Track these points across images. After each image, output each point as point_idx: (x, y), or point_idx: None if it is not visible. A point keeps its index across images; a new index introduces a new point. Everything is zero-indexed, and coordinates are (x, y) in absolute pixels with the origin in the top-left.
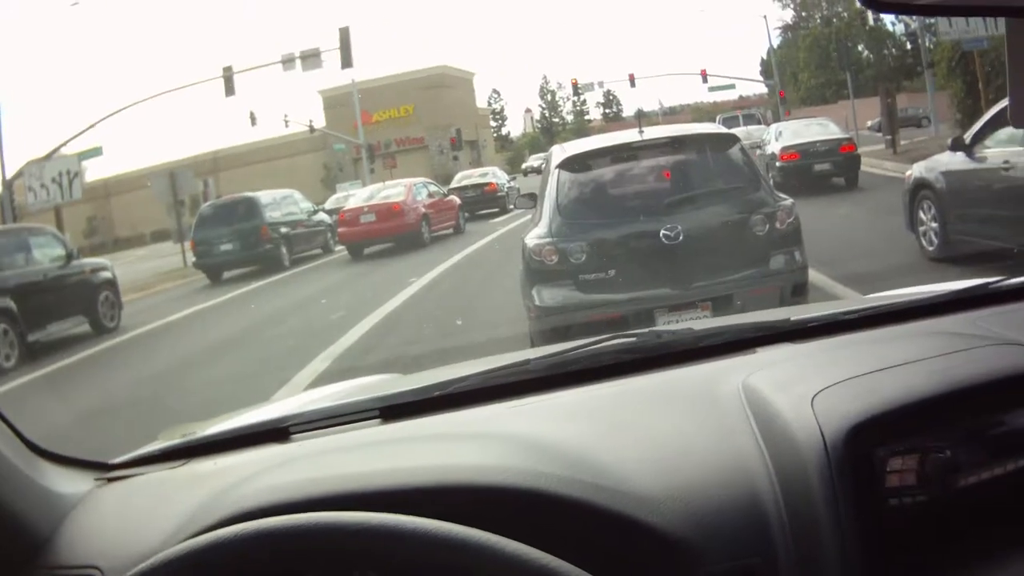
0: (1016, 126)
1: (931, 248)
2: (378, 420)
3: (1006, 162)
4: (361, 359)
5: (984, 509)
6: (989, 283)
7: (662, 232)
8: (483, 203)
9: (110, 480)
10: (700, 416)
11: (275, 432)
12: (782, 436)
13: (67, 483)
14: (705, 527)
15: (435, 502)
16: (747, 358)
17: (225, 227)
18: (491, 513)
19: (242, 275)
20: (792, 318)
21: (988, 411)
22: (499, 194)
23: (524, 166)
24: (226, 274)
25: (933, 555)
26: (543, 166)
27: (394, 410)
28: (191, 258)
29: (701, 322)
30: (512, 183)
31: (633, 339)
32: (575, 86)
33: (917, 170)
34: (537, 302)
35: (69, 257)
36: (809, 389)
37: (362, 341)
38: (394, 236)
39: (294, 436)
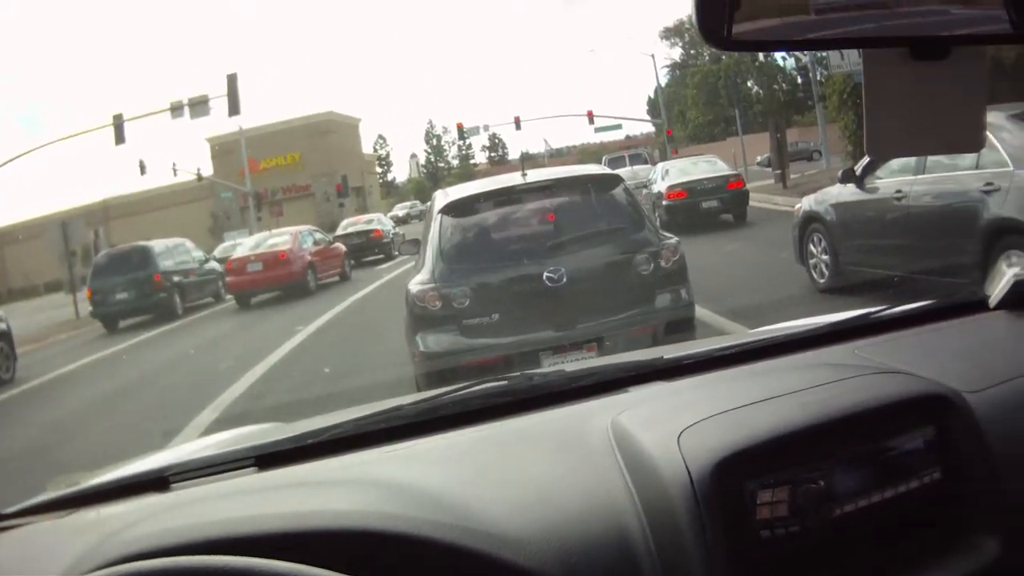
0: (871, 156)
1: (822, 280)
2: (254, 468)
3: (899, 191)
4: (249, 408)
5: (867, 536)
6: (870, 313)
7: (545, 275)
8: (368, 250)
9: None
10: (569, 456)
11: (156, 481)
12: (649, 474)
13: None
14: (573, 566)
15: (305, 547)
16: (618, 397)
17: (120, 276)
18: (358, 557)
19: (137, 324)
20: (665, 356)
21: (866, 440)
22: (384, 240)
23: (389, 215)
24: (122, 323)
25: None
26: (426, 209)
27: (270, 458)
28: (84, 308)
29: (574, 363)
30: (397, 229)
31: (504, 383)
32: (460, 130)
33: (807, 203)
34: (421, 348)
35: None
36: (676, 426)
37: (251, 390)
38: (281, 285)
39: (174, 485)
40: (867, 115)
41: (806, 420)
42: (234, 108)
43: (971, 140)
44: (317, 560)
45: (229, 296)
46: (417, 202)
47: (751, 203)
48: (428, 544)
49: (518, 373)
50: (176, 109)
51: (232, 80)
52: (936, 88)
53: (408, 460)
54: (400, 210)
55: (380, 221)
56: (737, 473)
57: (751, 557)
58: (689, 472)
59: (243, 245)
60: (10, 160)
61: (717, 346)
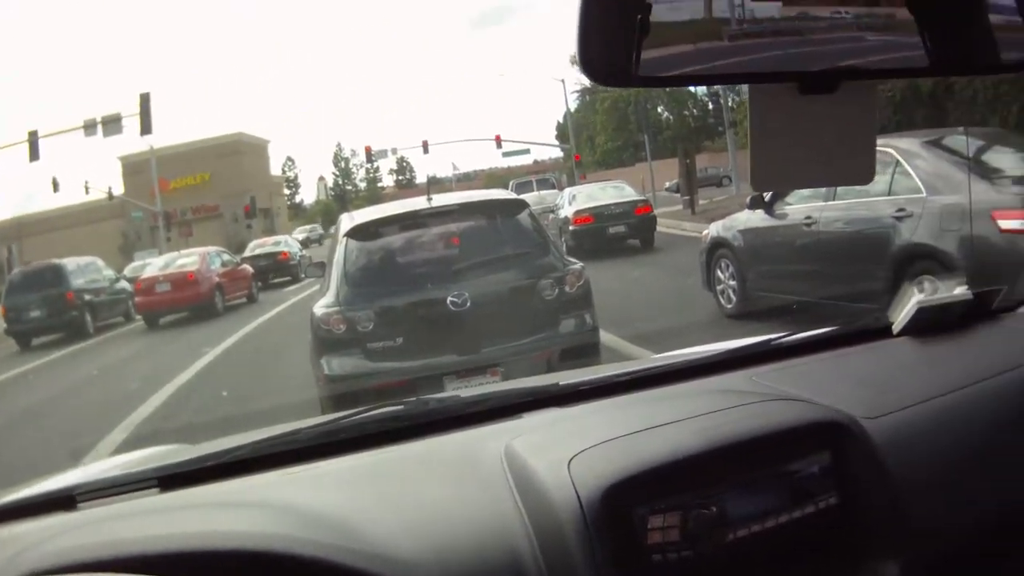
0: (755, 188)
1: (729, 305)
2: (158, 489)
3: (808, 217)
4: (159, 428)
5: (763, 561)
6: (770, 340)
7: (449, 299)
8: (276, 272)
9: None
10: (462, 481)
11: (63, 500)
12: (540, 499)
13: None
14: None
15: (207, 566)
16: (513, 423)
17: (34, 294)
18: None
19: (50, 342)
20: (561, 382)
21: (759, 466)
22: (291, 263)
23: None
24: (35, 341)
25: None
26: (332, 232)
27: (173, 479)
28: (1, 325)
29: (471, 389)
30: (304, 251)
31: (400, 407)
32: (368, 153)
33: (714, 229)
34: (326, 371)
35: None
36: (567, 452)
37: (159, 411)
38: (189, 306)
39: (81, 504)
40: (752, 148)
41: (696, 447)
42: (146, 127)
43: (860, 172)
44: None
45: (139, 316)
46: (317, 226)
47: (659, 229)
48: (324, 566)
49: (415, 398)
50: (89, 127)
51: (145, 99)
52: (824, 122)
53: (306, 483)
54: (300, 233)
55: (287, 243)
56: (626, 499)
57: None
58: (579, 497)
59: (152, 265)
60: None
61: (613, 372)
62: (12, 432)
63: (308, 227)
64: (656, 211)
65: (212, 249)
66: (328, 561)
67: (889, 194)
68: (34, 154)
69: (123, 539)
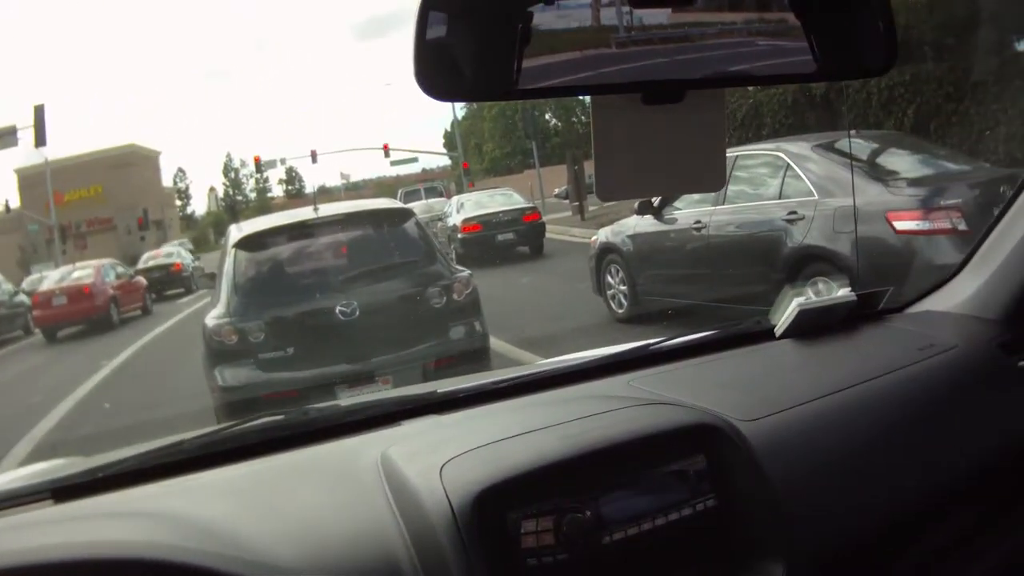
0: (600, 198)
1: (620, 310)
2: (51, 501)
3: (698, 222)
4: (62, 439)
5: (643, 564)
6: (649, 344)
7: (338, 309)
8: (169, 283)
9: None
10: (340, 489)
11: None
12: (414, 505)
13: None
14: None
15: (90, 574)
16: (391, 431)
17: None
18: None
19: None
20: (439, 390)
21: (632, 469)
22: (184, 274)
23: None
24: None
25: None
26: (222, 242)
27: (66, 491)
28: None
29: (350, 398)
30: (197, 262)
31: (280, 417)
32: (257, 163)
33: (603, 235)
34: (220, 382)
35: None
36: (440, 459)
37: (62, 423)
38: (85, 318)
39: None
40: (596, 160)
41: (566, 451)
42: (40, 139)
43: (709, 180)
44: None
45: (37, 329)
46: (186, 240)
47: (549, 235)
48: (208, 573)
49: (295, 408)
50: None
51: (39, 111)
52: (671, 131)
53: (189, 493)
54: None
55: (180, 255)
56: (498, 503)
57: None
58: (450, 503)
59: (49, 278)
60: None
61: (493, 379)
62: None
63: (178, 242)
64: (545, 217)
65: (106, 262)
66: (211, 569)
67: (780, 197)
68: None
69: (12, 550)
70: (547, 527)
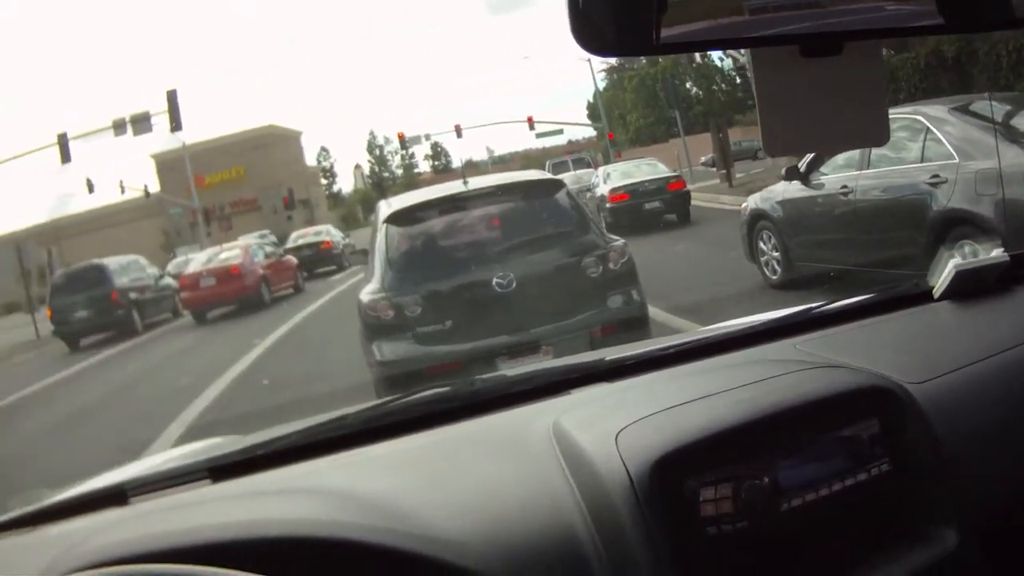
0: (769, 155)
1: (774, 276)
2: (209, 480)
3: (844, 187)
4: (215, 420)
5: (818, 529)
6: (811, 308)
7: (494, 280)
8: (320, 262)
9: None
10: (510, 460)
11: (114, 496)
12: (590, 474)
13: None
14: (520, 569)
15: (258, 555)
16: (560, 400)
17: (79, 295)
18: (308, 565)
19: (100, 341)
20: (607, 358)
21: (808, 434)
22: (335, 252)
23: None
24: (84, 341)
25: None
26: (372, 218)
27: (223, 470)
28: (44, 327)
29: (519, 367)
30: (347, 240)
31: (447, 389)
32: (402, 140)
33: (753, 201)
34: (377, 357)
35: None
36: (614, 426)
37: (214, 404)
38: (235, 299)
39: (132, 499)
40: (760, 115)
41: (744, 416)
42: (176, 124)
43: (874, 134)
44: (270, 568)
45: (186, 312)
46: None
47: (697, 203)
48: (375, 550)
49: (461, 380)
50: (119, 127)
51: (172, 96)
52: (830, 84)
53: (355, 468)
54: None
55: (329, 232)
56: (675, 471)
57: (698, 553)
58: (628, 471)
59: (195, 260)
60: None
61: (658, 346)
62: (66, 431)
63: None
64: (693, 186)
65: (254, 241)
66: (378, 544)
67: (922, 161)
68: (65, 156)
69: (173, 531)
70: (725, 494)
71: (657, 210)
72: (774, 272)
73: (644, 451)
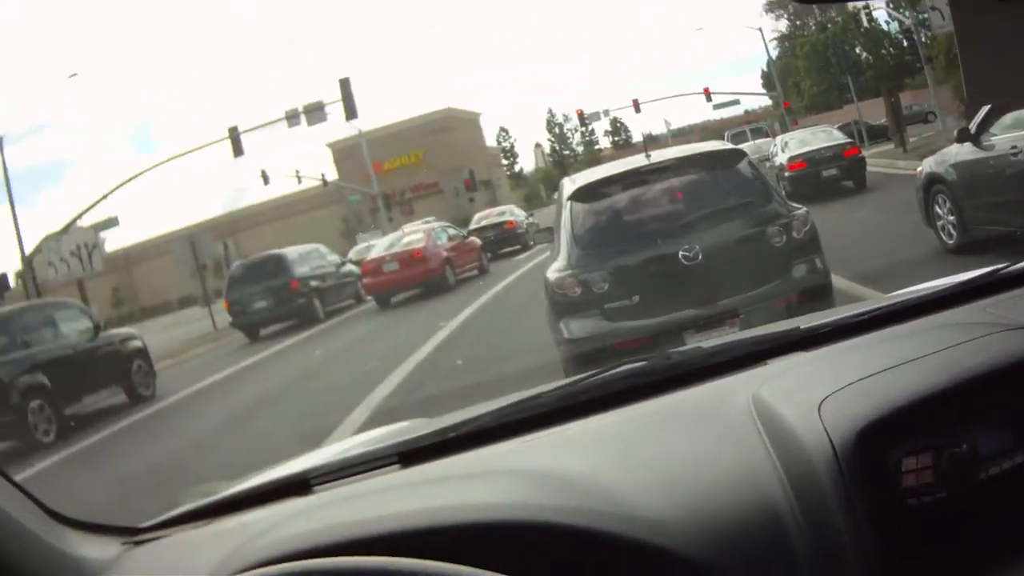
0: (974, 103)
1: (950, 241)
2: (397, 466)
3: (1014, 147)
4: (400, 404)
5: (1016, 499)
6: (998, 269)
7: (680, 253)
8: (504, 242)
9: (137, 544)
10: (711, 434)
11: (297, 485)
12: (792, 447)
13: (92, 549)
14: (721, 545)
15: (448, 542)
16: (757, 371)
17: (257, 285)
18: (503, 549)
19: (279, 331)
20: (802, 326)
21: (1005, 399)
22: (519, 231)
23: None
24: (263, 331)
25: (960, 550)
26: (556, 196)
27: (412, 454)
28: (222, 319)
29: (711, 339)
30: (531, 219)
31: (643, 363)
32: (581, 117)
33: (927, 165)
34: (566, 335)
35: (96, 329)
36: (816, 396)
37: (399, 388)
38: (419, 282)
39: (315, 488)
40: (963, 63)
41: (942, 383)
42: (350, 112)
43: None
44: (461, 557)
45: (369, 297)
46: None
47: (874, 169)
48: (572, 531)
49: (656, 353)
50: (292, 117)
51: (345, 84)
52: None
53: (550, 448)
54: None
55: (512, 212)
56: (880, 441)
57: (899, 525)
58: (832, 442)
59: (377, 246)
60: (130, 179)
61: (850, 313)
62: (246, 423)
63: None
64: (867, 151)
65: (436, 224)
66: (579, 527)
67: None
68: (237, 150)
69: (359, 520)
70: (926, 464)
71: (834, 177)
72: (950, 236)
73: (848, 421)
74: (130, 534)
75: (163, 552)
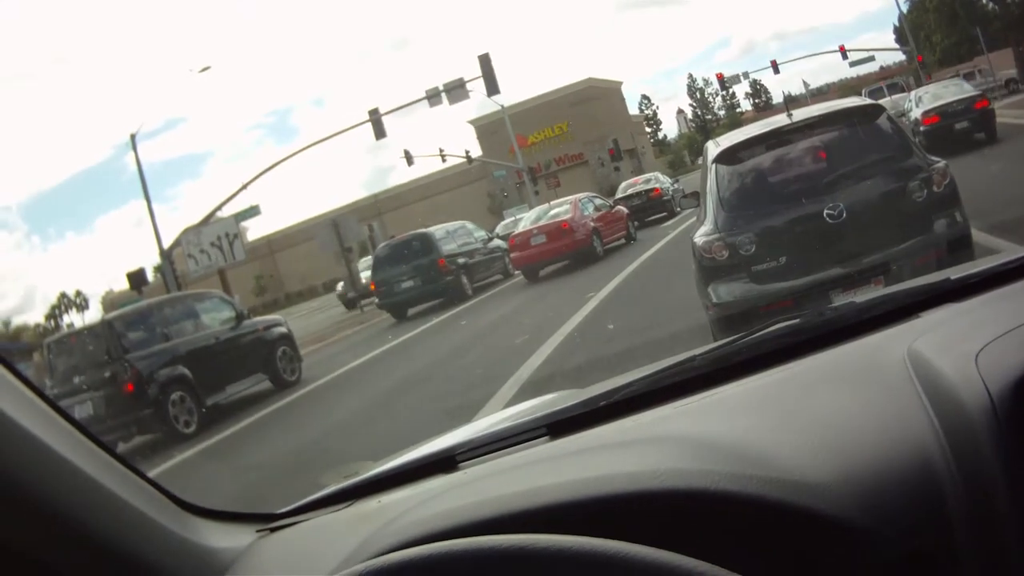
0: None
1: None
2: (547, 438)
3: None
4: (547, 376)
5: None
6: None
7: (825, 212)
8: (650, 209)
9: (273, 530)
10: (866, 391)
11: (443, 462)
12: (949, 401)
13: (226, 538)
14: (877, 510)
15: (600, 514)
16: (911, 324)
17: (403, 265)
18: (658, 518)
19: (427, 309)
20: (952, 277)
21: None
22: (664, 198)
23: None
24: (411, 310)
25: None
26: (700, 161)
27: (561, 425)
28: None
29: (862, 294)
30: (676, 185)
31: (795, 321)
32: (721, 80)
33: None
34: (714, 299)
35: (239, 318)
36: (973, 346)
37: (549, 360)
38: (567, 254)
39: (461, 465)
40: None
41: None
42: (492, 88)
43: None
44: (614, 529)
45: (517, 271)
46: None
47: (1009, 120)
48: (726, 498)
49: (809, 310)
50: (433, 97)
51: (485, 60)
52: None
53: (702, 412)
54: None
55: (658, 179)
56: None
57: None
58: (989, 392)
59: (524, 220)
60: (267, 169)
61: (1000, 262)
62: (397, 401)
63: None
64: (1002, 103)
65: (583, 196)
66: (738, 492)
67: None
68: (379, 132)
69: (507, 494)
70: None
71: (966, 129)
72: None
73: (1006, 369)
74: (265, 521)
75: (298, 538)
